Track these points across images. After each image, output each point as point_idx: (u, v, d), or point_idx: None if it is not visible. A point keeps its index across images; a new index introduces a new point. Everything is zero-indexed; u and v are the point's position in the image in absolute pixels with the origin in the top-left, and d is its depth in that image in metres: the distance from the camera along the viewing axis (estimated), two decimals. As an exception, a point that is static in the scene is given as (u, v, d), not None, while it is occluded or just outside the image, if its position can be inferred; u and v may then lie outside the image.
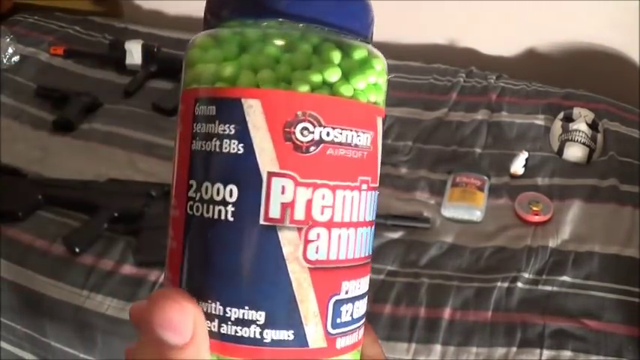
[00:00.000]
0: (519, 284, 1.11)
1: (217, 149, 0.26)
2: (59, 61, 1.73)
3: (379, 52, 0.30)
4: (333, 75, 0.27)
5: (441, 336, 1.04)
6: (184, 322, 0.25)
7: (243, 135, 0.26)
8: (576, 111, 1.49)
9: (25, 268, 1.14)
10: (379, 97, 0.29)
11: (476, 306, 1.08)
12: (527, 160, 1.37)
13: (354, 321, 0.28)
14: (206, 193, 0.26)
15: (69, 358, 1.10)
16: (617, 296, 1.09)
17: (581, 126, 1.43)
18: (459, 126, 1.52)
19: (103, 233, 1.19)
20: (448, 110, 1.57)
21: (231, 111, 0.26)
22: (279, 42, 0.27)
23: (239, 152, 0.26)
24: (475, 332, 1.04)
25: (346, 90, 0.27)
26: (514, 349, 1.02)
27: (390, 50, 1.87)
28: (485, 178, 1.34)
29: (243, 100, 0.26)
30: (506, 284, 1.11)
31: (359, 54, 0.28)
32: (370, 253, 0.29)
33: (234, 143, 0.26)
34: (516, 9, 1.73)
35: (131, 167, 1.38)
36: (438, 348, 1.03)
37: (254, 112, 0.26)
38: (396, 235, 1.22)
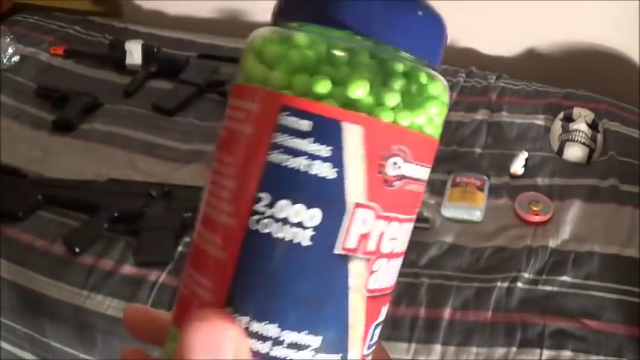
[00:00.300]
0: (519, 284, 1.11)
1: (305, 169, 0.24)
2: (59, 61, 1.73)
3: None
4: (433, 110, 0.27)
5: (441, 336, 1.04)
6: (226, 347, 0.24)
7: (338, 160, 0.24)
8: (576, 111, 1.49)
9: (25, 268, 1.14)
10: (440, 130, 0.29)
11: (476, 306, 1.08)
12: (527, 160, 1.37)
13: (377, 340, 0.29)
14: (281, 211, 0.25)
15: (69, 358, 1.10)
16: (617, 296, 1.09)
17: (581, 126, 1.43)
18: (459, 126, 1.52)
19: (103, 233, 1.19)
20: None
21: (329, 132, 0.24)
22: (396, 68, 0.26)
23: (329, 177, 0.24)
24: (475, 332, 1.04)
25: (431, 128, 0.27)
26: (514, 349, 1.02)
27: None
28: (485, 178, 1.34)
29: (344, 124, 0.24)
30: (506, 284, 1.11)
31: (446, 92, 0.28)
32: None
33: (326, 167, 0.24)
34: (516, 9, 1.73)
35: (131, 167, 1.38)
36: (438, 348, 1.03)
37: (354, 138, 0.24)
38: (396, 235, 1.21)
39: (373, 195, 0.25)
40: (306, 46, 0.26)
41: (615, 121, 1.50)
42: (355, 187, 0.25)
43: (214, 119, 1.53)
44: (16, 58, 1.70)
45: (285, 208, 0.25)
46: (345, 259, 0.25)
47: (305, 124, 0.24)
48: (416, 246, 1.20)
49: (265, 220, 0.25)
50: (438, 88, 0.27)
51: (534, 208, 1.25)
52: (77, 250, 1.15)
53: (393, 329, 1.05)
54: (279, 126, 0.25)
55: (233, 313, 0.25)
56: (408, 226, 0.27)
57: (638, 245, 1.19)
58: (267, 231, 0.25)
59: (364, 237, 0.25)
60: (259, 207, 0.25)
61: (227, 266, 0.25)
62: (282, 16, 0.28)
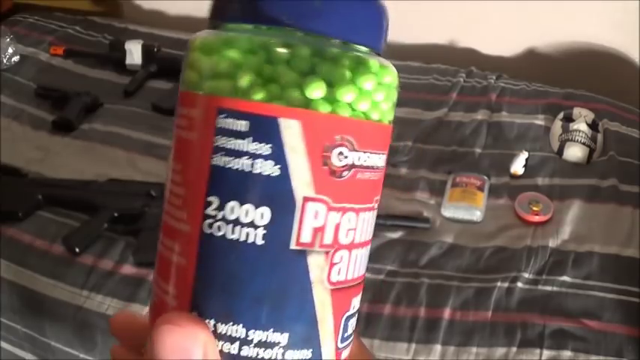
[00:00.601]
0: (519, 284, 1.11)
1: (248, 168, 0.25)
2: (59, 61, 1.73)
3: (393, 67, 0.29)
4: (378, 95, 0.27)
5: (441, 336, 1.04)
6: (194, 349, 0.24)
7: (279, 157, 0.25)
8: (576, 111, 1.49)
9: (25, 268, 1.14)
10: (392, 115, 0.29)
11: (476, 306, 1.08)
12: (527, 160, 1.37)
13: (352, 333, 0.29)
14: (232, 213, 0.25)
15: (69, 358, 1.10)
16: (617, 296, 1.09)
17: (581, 126, 1.43)
18: (458, 126, 1.52)
19: (103, 233, 1.19)
20: (448, 110, 1.57)
21: (266, 130, 0.25)
22: (328, 57, 0.26)
23: (273, 174, 0.25)
24: (475, 332, 1.04)
25: (377, 113, 0.27)
26: (514, 349, 1.02)
27: (390, 50, 1.87)
28: (485, 178, 1.34)
29: (281, 120, 0.25)
30: (506, 284, 1.11)
31: (390, 76, 0.28)
32: None
33: (268, 165, 0.25)
34: (516, 9, 1.73)
35: (131, 167, 1.38)
36: (438, 348, 1.03)
37: (292, 133, 0.25)
38: (396, 235, 1.22)
39: (321, 187, 0.25)
40: (234, 48, 0.26)
41: (615, 121, 1.50)
42: (302, 182, 0.25)
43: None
44: (16, 58, 1.70)
45: (235, 210, 0.25)
46: (302, 254, 0.25)
47: (242, 125, 0.25)
48: (416, 246, 1.20)
49: (218, 223, 0.25)
50: (375, 74, 0.27)
51: (534, 208, 1.25)
52: (77, 250, 1.14)
53: (393, 329, 1.05)
54: (219, 129, 0.25)
55: (198, 317, 0.26)
56: (368, 215, 0.27)
57: (638, 245, 1.19)
58: (220, 234, 0.25)
59: (319, 230, 0.25)
60: (210, 211, 0.25)
61: (188, 272, 0.26)
62: (214, 18, 0.28)
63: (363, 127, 0.26)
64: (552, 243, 1.19)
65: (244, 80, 0.25)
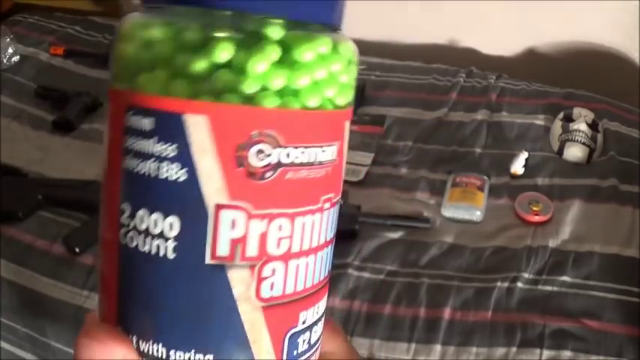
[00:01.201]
0: (519, 284, 1.11)
1: (154, 173, 0.22)
2: (59, 61, 1.73)
3: (349, 40, 0.25)
4: (301, 80, 0.22)
5: (441, 336, 1.04)
6: None
7: (186, 158, 0.21)
8: (576, 111, 1.49)
9: (25, 268, 1.14)
10: (348, 97, 0.25)
11: (476, 306, 1.08)
12: (527, 160, 1.37)
13: (310, 347, 0.25)
14: (141, 222, 0.22)
15: (69, 358, 1.09)
16: (617, 296, 1.09)
17: (581, 126, 1.43)
18: (459, 126, 1.52)
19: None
20: (448, 110, 1.57)
21: (171, 128, 0.21)
22: (232, 41, 0.22)
23: (180, 179, 0.22)
24: (475, 332, 1.04)
25: (315, 99, 0.23)
26: (514, 349, 1.02)
27: (390, 50, 1.88)
28: (485, 178, 1.34)
29: (185, 116, 0.21)
30: (506, 284, 1.11)
31: (344, 51, 0.24)
32: (330, 271, 0.26)
33: (174, 168, 0.22)
34: (516, 9, 1.73)
35: (131, 167, 1.38)
36: (438, 348, 1.02)
37: (199, 131, 0.21)
38: (396, 235, 1.22)
39: (236, 193, 0.22)
40: (140, 35, 0.23)
41: (615, 121, 1.50)
42: (212, 187, 0.22)
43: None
44: (16, 58, 1.70)
45: (145, 219, 0.22)
46: (220, 269, 0.22)
47: (147, 123, 0.22)
48: (416, 246, 1.20)
49: (130, 233, 0.23)
50: (320, 48, 0.23)
51: (534, 208, 1.25)
52: (77, 250, 1.14)
53: (393, 329, 1.05)
54: (127, 128, 0.22)
55: (123, 332, 0.24)
56: (312, 219, 0.24)
57: (638, 245, 1.19)
58: (133, 245, 0.23)
59: (238, 242, 0.22)
60: (124, 219, 0.23)
61: (112, 284, 0.24)
62: (144, 1, 0.25)
63: (292, 118, 0.22)
64: (552, 243, 1.19)
65: (146, 72, 0.22)
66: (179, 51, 0.22)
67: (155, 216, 0.22)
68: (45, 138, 1.47)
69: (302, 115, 0.23)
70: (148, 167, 0.22)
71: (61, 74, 1.69)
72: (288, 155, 0.22)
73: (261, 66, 0.22)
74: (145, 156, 0.22)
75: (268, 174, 0.22)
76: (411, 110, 1.56)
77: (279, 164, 0.22)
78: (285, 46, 0.22)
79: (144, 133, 0.22)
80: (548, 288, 1.11)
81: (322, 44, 0.23)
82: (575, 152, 1.40)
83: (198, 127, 0.21)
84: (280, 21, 0.22)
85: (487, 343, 1.03)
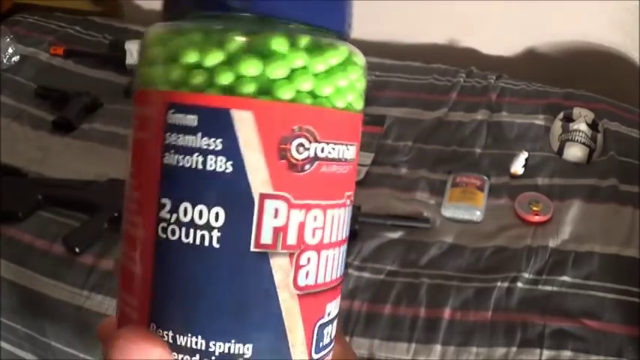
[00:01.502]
0: (519, 284, 1.11)
1: (200, 166, 0.23)
2: (59, 61, 1.73)
3: (359, 51, 0.27)
4: (341, 82, 0.25)
5: (441, 336, 1.04)
6: None
7: (233, 152, 0.23)
8: (576, 111, 1.49)
9: (25, 268, 1.14)
10: (362, 103, 0.27)
11: (476, 306, 1.08)
12: (527, 160, 1.37)
13: (331, 341, 0.27)
14: (185, 215, 0.23)
15: (69, 358, 1.10)
16: (617, 296, 1.09)
17: (581, 126, 1.43)
18: (459, 126, 1.52)
19: (103, 233, 1.19)
20: (448, 110, 1.57)
21: (217, 123, 0.23)
22: (277, 45, 0.24)
23: (227, 171, 0.23)
24: (475, 332, 1.04)
25: (341, 101, 0.25)
26: (514, 349, 1.02)
27: (390, 50, 1.88)
28: (485, 178, 1.34)
29: (233, 112, 0.23)
30: (506, 284, 1.11)
31: (356, 62, 0.26)
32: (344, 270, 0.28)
33: (221, 161, 0.23)
34: (516, 9, 1.73)
35: (131, 167, 1.38)
36: (438, 348, 1.03)
37: (246, 126, 0.23)
38: (396, 235, 1.22)
39: (280, 183, 0.23)
40: (181, 38, 0.24)
41: (615, 121, 1.50)
42: (258, 178, 0.23)
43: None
44: (16, 58, 1.70)
45: (188, 211, 0.23)
46: (263, 256, 0.23)
47: (191, 119, 0.23)
48: (416, 246, 1.20)
49: (171, 227, 0.24)
50: (342, 57, 0.25)
51: (534, 208, 1.25)
52: (77, 250, 1.15)
53: (393, 329, 1.05)
54: (169, 125, 0.24)
55: (157, 329, 0.24)
56: (339, 213, 0.25)
57: (638, 245, 1.19)
58: (175, 238, 0.23)
59: (280, 230, 0.23)
60: (164, 214, 0.24)
61: (145, 281, 0.24)
62: (166, 11, 0.26)
63: (325, 115, 0.24)
64: (552, 243, 1.19)
65: (191, 71, 0.24)
66: (223, 52, 0.23)
67: (200, 207, 0.23)
68: (45, 138, 1.47)
69: (334, 114, 0.25)
70: (194, 161, 0.23)
71: (61, 74, 1.69)
72: (322, 150, 0.24)
73: (307, 83, 0.24)
74: (189, 151, 0.23)
75: (307, 166, 0.24)
76: (411, 110, 1.56)
77: (315, 157, 0.24)
78: (311, 53, 0.24)
79: (188, 129, 0.23)
80: (548, 288, 1.11)
81: (342, 52, 0.25)
82: (575, 152, 1.40)
83: (244, 122, 0.23)
84: (306, 27, 0.25)
85: (487, 343, 1.03)
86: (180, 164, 0.23)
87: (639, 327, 1.04)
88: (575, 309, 1.07)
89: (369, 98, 1.56)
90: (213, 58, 0.23)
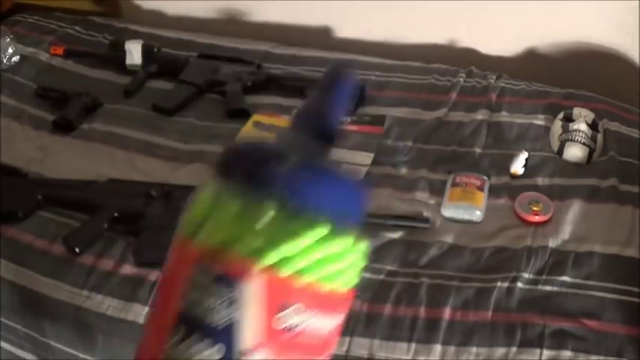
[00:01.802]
0: (519, 284, 1.11)
1: (211, 312, 0.29)
2: (59, 61, 1.73)
3: (360, 238, 0.33)
4: (335, 266, 0.30)
5: (441, 336, 1.04)
6: None
7: (235, 309, 0.28)
8: (576, 111, 1.48)
9: (25, 268, 1.14)
10: (357, 279, 0.32)
11: (476, 306, 1.08)
12: (527, 160, 1.37)
13: None
14: (189, 347, 0.29)
15: (69, 358, 1.10)
16: (617, 296, 1.09)
17: (581, 126, 1.43)
18: (458, 126, 1.52)
19: (103, 233, 1.19)
20: (448, 110, 1.56)
21: (230, 283, 0.28)
22: (289, 227, 0.29)
23: (229, 323, 0.28)
24: (475, 332, 1.04)
25: (337, 282, 0.30)
26: (514, 349, 1.02)
27: (390, 50, 1.88)
28: (485, 178, 1.34)
29: (243, 280, 0.28)
30: (506, 284, 1.11)
31: (353, 249, 0.32)
32: None
33: (224, 316, 0.28)
34: (516, 9, 1.73)
35: (131, 167, 1.38)
36: (438, 348, 1.03)
37: (252, 292, 0.28)
38: (396, 235, 1.22)
39: (269, 339, 0.29)
40: (214, 204, 0.30)
41: (615, 121, 1.50)
42: (251, 332, 0.28)
43: (214, 119, 1.53)
44: (16, 58, 1.70)
45: (195, 342, 0.29)
46: None
47: (211, 277, 0.29)
48: (416, 246, 1.20)
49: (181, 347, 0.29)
50: (341, 246, 0.30)
51: (534, 208, 1.25)
52: (77, 250, 1.15)
53: (393, 329, 1.05)
54: (188, 278, 0.29)
55: None
56: None
57: (638, 245, 1.19)
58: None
59: None
60: (173, 339, 0.29)
61: None
62: (219, 173, 0.32)
63: (319, 294, 0.30)
64: (552, 243, 1.19)
65: (216, 236, 0.29)
66: (246, 225, 0.29)
67: (207, 341, 0.29)
68: (45, 138, 1.47)
69: (327, 294, 0.30)
70: (208, 304, 0.29)
71: (61, 74, 1.69)
72: (309, 318, 0.29)
73: (304, 263, 0.29)
74: (206, 297, 0.29)
75: (293, 331, 0.29)
76: (411, 110, 1.56)
77: (301, 324, 0.29)
78: (325, 238, 0.30)
79: (207, 281, 0.29)
80: (548, 288, 1.11)
81: (347, 240, 0.31)
82: (575, 152, 1.40)
83: (252, 290, 0.28)
84: (339, 224, 0.30)
85: (487, 343, 1.03)
86: (197, 305, 0.30)
87: (639, 327, 1.04)
88: (575, 309, 1.07)
89: (369, 98, 1.56)
90: (236, 231, 0.30)
